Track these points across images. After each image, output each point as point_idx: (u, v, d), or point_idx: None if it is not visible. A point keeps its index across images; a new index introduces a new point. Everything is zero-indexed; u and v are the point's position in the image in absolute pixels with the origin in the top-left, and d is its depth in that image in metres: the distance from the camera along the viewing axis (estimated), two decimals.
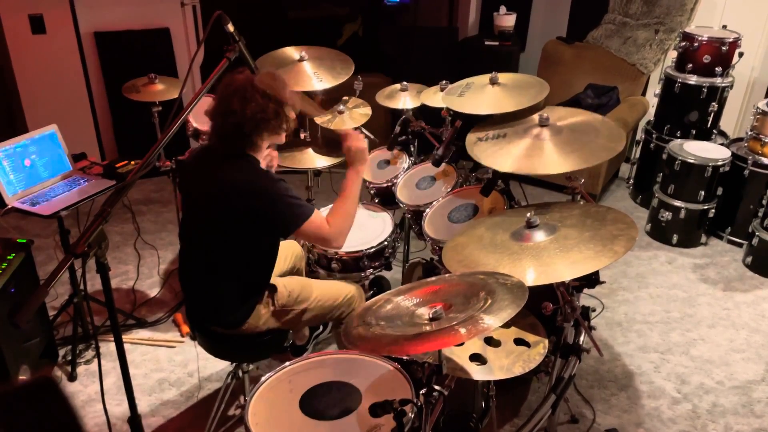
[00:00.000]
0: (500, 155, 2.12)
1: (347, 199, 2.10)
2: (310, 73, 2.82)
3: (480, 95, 2.46)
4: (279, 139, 2.00)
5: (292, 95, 1.95)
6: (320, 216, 1.98)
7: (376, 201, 2.85)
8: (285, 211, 1.90)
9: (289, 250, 2.49)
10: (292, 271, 2.50)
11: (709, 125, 3.79)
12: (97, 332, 2.91)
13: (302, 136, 2.99)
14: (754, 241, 3.41)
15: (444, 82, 2.80)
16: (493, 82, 2.48)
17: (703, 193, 3.53)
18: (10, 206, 2.48)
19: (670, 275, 3.40)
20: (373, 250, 2.48)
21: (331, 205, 2.81)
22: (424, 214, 2.50)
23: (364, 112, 3.00)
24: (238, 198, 1.87)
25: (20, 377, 2.33)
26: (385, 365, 1.77)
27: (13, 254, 2.38)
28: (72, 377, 2.62)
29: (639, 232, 3.78)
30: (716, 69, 3.62)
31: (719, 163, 3.47)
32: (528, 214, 1.87)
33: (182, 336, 2.89)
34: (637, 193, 4.21)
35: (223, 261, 1.97)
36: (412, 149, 2.94)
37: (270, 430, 1.60)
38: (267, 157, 2.29)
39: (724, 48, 3.59)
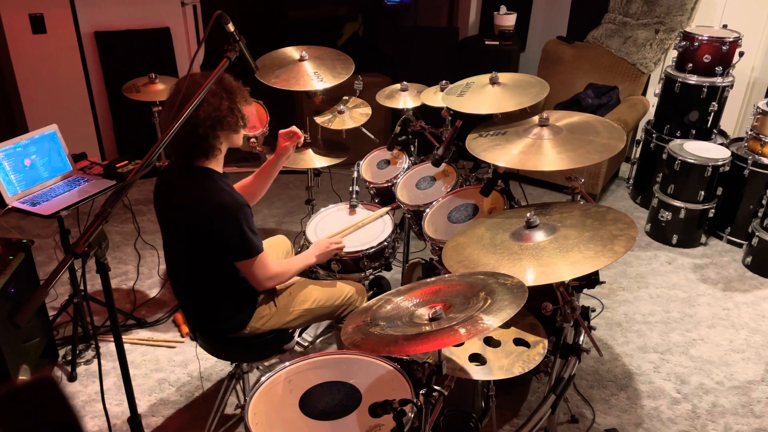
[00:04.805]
0: (498, 151, 2.12)
1: (300, 267, 2.13)
2: (311, 72, 2.82)
3: (480, 95, 2.46)
4: (237, 139, 1.95)
5: (241, 89, 1.91)
6: (263, 260, 1.93)
7: (376, 201, 2.86)
8: (234, 240, 1.86)
9: (281, 248, 2.49)
10: None
11: (709, 125, 3.79)
12: (97, 332, 2.91)
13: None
14: (754, 241, 3.41)
15: (444, 81, 2.80)
16: (493, 81, 2.48)
17: (703, 193, 3.53)
18: (10, 206, 2.48)
19: (669, 275, 3.40)
20: (373, 250, 2.48)
21: (325, 209, 2.83)
22: (424, 214, 2.50)
23: (364, 112, 3.01)
24: (198, 216, 1.84)
25: (20, 377, 2.33)
26: (385, 365, 1.77)
27: (13, 254, 2.38)
28: (72, 377, 2.62)
29: (639, 232, 3.78)
30: (716, 69, 3.62)
31: (719, 163, 3.47)
32: (528, 214, 1.87)
33: (182, 336, 2.89)
34: (637, 193, 4.21)
35: (206, 275, 1.96)
36: (412, 149, 2.95)
37: (270, 430, 1.60)
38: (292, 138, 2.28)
39: (724, 47, 3.59)
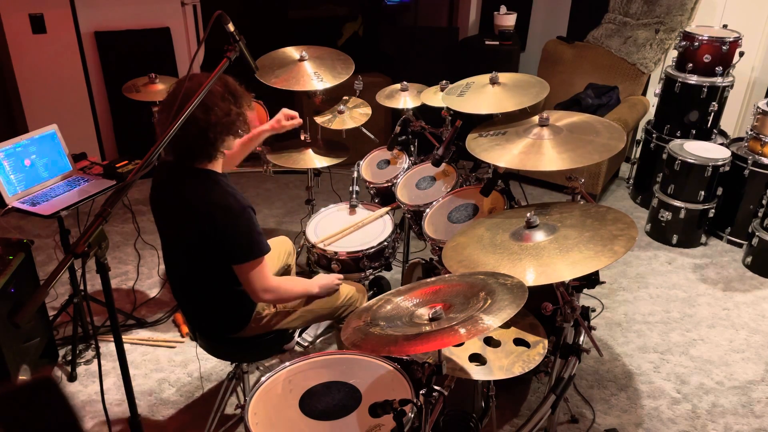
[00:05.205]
0: (498, 151, 2.12)
1: (301, 291, 2.08)
2: (311, 72, 2.82)
3: (480, 95, 2.47)
4: (234, 143, 1.95)
5: (245, 94, 1.91)
6: (263, 269, 1.90)
7: (376, 201, 2.85)
8: (236, 241, 1.83)
9: (282, 248, 2.49)
10: (286, 270, 2.50)
11: (709, 125, 3.79)
12: (97, 332, 2.91)
13: (302, 137, 2.99)
14: (754, 241, 3.41)
15: (444, 81, 2.80)
16: (493, 81, 2.48)
17: (703, 193, 3.53)
18: (10, 206, 2.48)
19: (669, 275, 3.40)
20: (373, 250, 2.48)
21: (329, 206, 2.83)
22: (424, 214, 2.50)
23: (364, 112, 3.01)
24: (202, 217, 1.82)
25: (20, 377, 2.33)
26: (385, 365, 1.77)
27: (13, 254, 2.38)
28: (72, 377, 2.62)
29: (639, 232, 3.78)
30: (716, 69, 3.62)
31: (719, 163, 3.47)
32: (528, 214, 1.87)
33: (182, 336, 2.89)
34: (637, 193, 4.21)
35: (207, 276, 1.95)
36: (412, 149, 2.95)
37: (270, 430, 1.60)
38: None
39: (724, 47, 3.59)
